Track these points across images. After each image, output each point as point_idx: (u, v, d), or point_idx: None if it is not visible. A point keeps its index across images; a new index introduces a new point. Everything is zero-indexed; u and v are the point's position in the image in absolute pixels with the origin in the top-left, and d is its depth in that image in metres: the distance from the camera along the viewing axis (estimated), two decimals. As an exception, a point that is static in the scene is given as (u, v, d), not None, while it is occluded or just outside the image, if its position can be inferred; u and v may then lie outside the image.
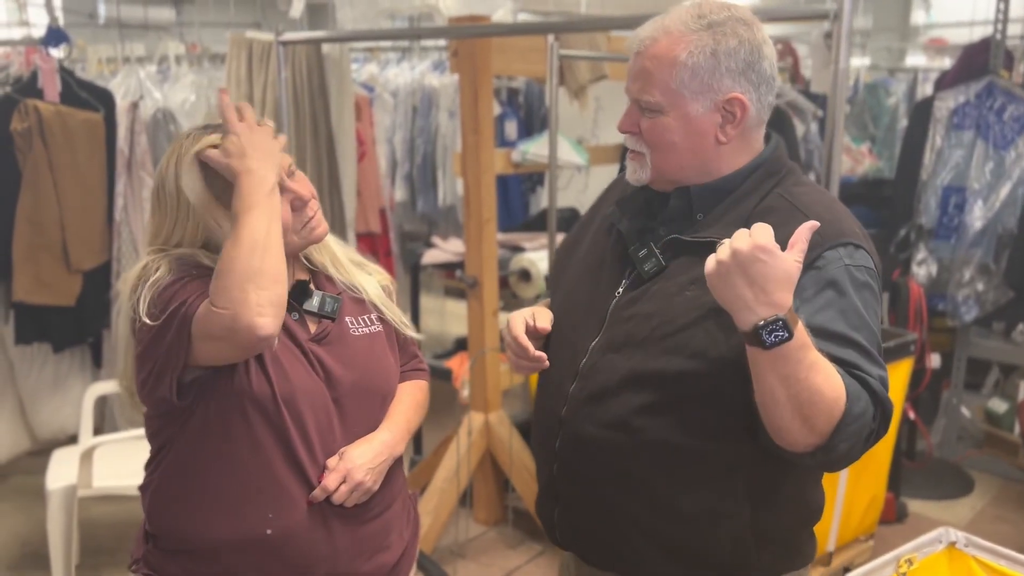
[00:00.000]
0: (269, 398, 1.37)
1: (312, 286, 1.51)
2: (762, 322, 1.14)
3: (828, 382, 1.18)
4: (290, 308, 1.43)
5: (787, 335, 1.14)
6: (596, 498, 1.41)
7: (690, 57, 1.30)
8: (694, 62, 1.30)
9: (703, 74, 1.30)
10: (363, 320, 1.54)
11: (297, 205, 1.43)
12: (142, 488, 1.49)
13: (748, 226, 1.21)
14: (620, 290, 1.41)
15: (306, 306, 1.48)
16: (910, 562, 1.67)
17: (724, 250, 1.16)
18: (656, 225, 1.42)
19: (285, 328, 1.42)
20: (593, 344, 1.41)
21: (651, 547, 1.39)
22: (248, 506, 1.39)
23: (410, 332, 1.63)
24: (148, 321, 1.33)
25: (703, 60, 1.30)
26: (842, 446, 1.21)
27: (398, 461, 1.56)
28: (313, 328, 1.48)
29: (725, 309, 1.19)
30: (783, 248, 1.17)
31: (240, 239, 1.29)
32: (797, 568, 1.47)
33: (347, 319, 1.52)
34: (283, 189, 1.41)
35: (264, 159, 1.35)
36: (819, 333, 1.24)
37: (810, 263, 1.26)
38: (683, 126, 1.33)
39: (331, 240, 1.59)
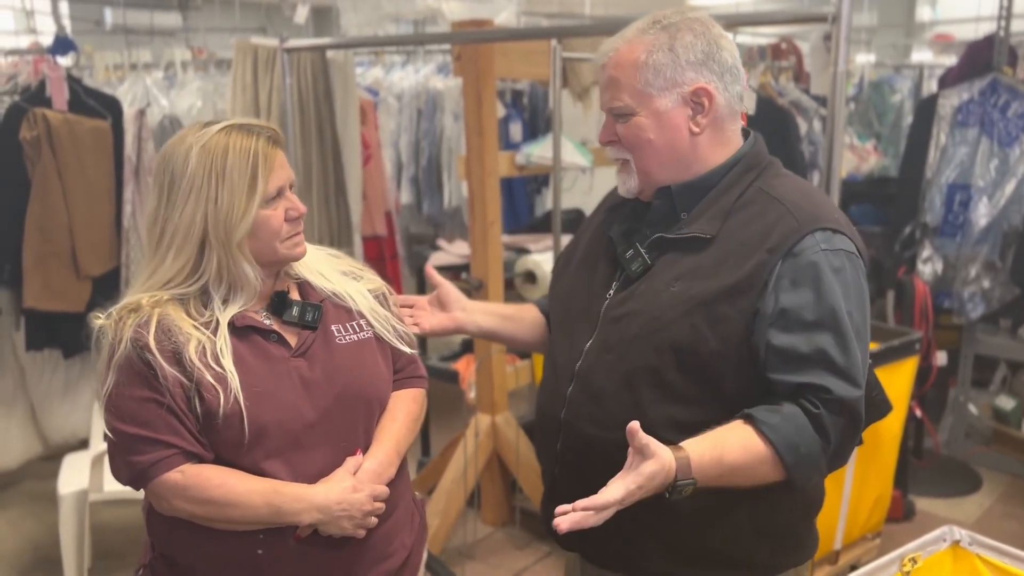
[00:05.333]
0: (246, 440, 1.36)
1: (295, 295, 1.49)
2: (667, 494, 1.22)
3: (749, 461, 1.27)
4: (268, 324, 1.43)
5: (691, 482, 1.22)
6: None
7: (649, 56, 1.36)
8: (654, 60, 1.36)
9: (665, 70, 1.36)
10: (351, 327, 1.50)
11: (291, 215, 1.41)
12: (143, 507, 1.49)
13: (729, 219, 1.34)
14: (611, 292, 1.45)
15: (285, 317, 1.45)
16: (914, 561, 1.67)
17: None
18: (642, 227, 1.45)
19: (264, 353, 1.41)
20: (587, 346, 1.44)
21: (654, 545, 1.42)
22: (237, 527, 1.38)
23: (403, 347, 1.56)
24: (106, 428, 1.35)
25: (662, 57, 1.36)
26: (811, 478, 1.32)
27: (402, 468, 1.55)
28: (294, 341, 1.44)
29: None
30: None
31: (245, 517, 1.35)
32: (798, 564, 1.49)
33: (332, 327, 1.48)
34: (283, 196, 1.41)
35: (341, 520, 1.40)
36: (791, 323, 1.29)
37: (787, 251, 1.31)
38: (655, 122, 1.38)
39: (318, 253, 1.57)
